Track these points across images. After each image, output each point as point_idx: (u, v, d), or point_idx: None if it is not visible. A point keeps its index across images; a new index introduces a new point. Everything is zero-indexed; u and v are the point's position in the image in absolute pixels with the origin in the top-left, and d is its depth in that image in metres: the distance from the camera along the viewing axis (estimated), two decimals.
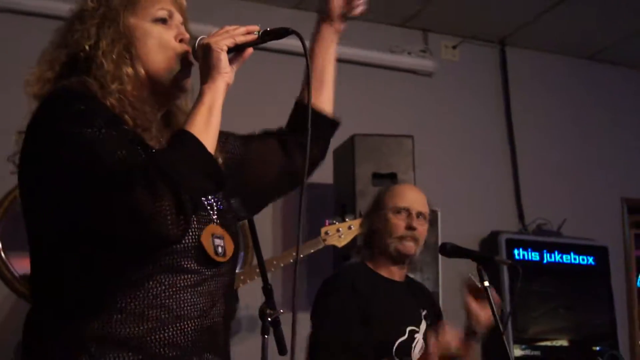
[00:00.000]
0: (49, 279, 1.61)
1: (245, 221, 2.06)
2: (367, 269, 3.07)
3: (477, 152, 5.33)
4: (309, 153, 1.65)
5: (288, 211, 4.80)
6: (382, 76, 5.19)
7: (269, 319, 1.98)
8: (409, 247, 3.02)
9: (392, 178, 4.25)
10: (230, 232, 1.73)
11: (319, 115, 1.99)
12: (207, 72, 1.63)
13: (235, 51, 1.68)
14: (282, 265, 3.74)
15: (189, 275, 1.61)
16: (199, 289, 1.63)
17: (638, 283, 5.58)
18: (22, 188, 1.65)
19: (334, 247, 3.78)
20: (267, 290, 2.04)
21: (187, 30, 1.79)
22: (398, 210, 3.05)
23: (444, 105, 5.31)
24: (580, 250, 5.19)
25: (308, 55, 1.71)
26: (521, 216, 5.32)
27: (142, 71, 1.68)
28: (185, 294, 1.60)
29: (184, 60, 1.71)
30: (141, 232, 1.45)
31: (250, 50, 1.69)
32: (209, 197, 1.74)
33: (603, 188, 5.60)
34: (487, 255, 3.64)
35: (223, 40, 1.64)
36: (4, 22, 4.38)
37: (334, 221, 3.75)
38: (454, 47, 5.35)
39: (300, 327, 1.64)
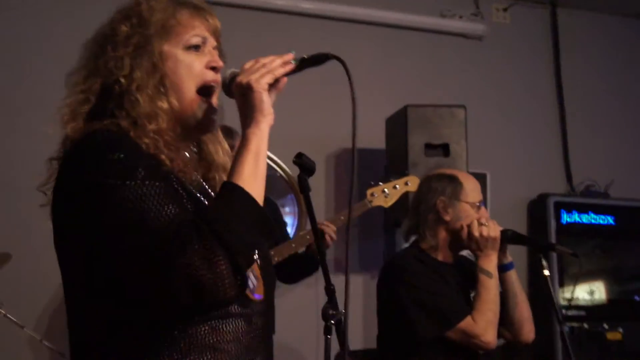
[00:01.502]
0: (90, 332, 1.49)
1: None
2: (425, 253, 2.89)
3: (526, 114, 5.12)
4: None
5: (339, 174, 4.67)
6: (433, 41, 4.98)
7: (332, 320, 1.85)
8: None
9: (445, 149, 4.08)
10: (265, 275, 1.62)
11: None
12: (250, 114, 1.49)
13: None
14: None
15: (233, 318, 1.49)
16: (243, 329, 1.51)
17: None
18: (57, 238, 1.53)
19: (383, 210, 3.65)
20: (329, 290, 1.92)
21: (221, 52, 1.65)
22: (478, 206, 2.88)
23: (494, 69, 5.09)
24: (626, 211, 4.99)
25: (351, 77, 1.56)
26: (569, 178, 5.13)
27: (176, 103, 1.54)
28: (232, 336, 1.48)
29: (211, 91, 1.57)
30: (198, 297, 1.33)
31: (285, 79, 1.55)
32: None
33: None
34: (548, 244, 3.46)
35: (263, 78, 1.49)
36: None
37: (380, 182, 3.59)
38: (505, 10, 5.08)
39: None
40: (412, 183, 3.46)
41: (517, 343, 2.93)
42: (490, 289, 2.74)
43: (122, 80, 1.51)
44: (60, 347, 3.46)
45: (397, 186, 3.49)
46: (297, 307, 4.06)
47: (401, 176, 3.59)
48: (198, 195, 1.55)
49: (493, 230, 2.78)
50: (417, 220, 2.95)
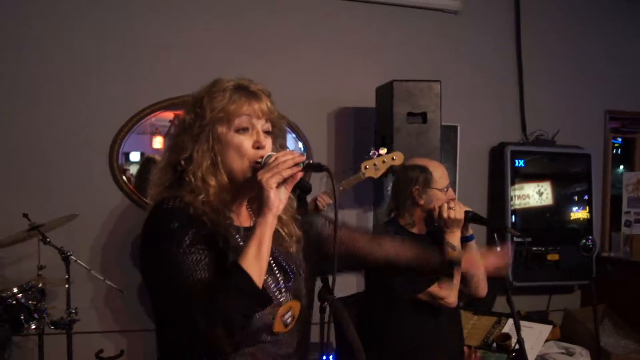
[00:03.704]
0: (166, 342, 1.63)
1: None
2: (403, 228, 2.95)
3: (491, 76, 5.02)
4: None
5: (338, 129, 4.67)
6: (415, 15, 4.82)
7: (327, 301, 1.93)
8: None
9: (423, 117, 4.06)
10: (300, 298, 1.68)
11: None
12: (261, 206, 1.53)
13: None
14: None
15: (267, 344, 1.60)
16: (276, 350, 1.62)
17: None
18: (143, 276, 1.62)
19: (371, 178, 3.68)
20: (323, 279, 1.99)
21: (275, 123, 1.67)
22: (446, 190, 2.90)
23: (466, 38, 4.95)
24: (569, 157, 5.00)
25: (336, 191, 1.58)
26: (524, 128, 5.09)
27: (225, 178, 1.59)
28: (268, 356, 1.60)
29: (254, 169, 1.59)
30: (202, 344, 1.45)
31: (300, 174, 1.57)
32: (279, 281, 1.66)
33: (591, 101, 5.28)
34: (501, 225, 3.51)
35: (272, 178, 1.51)
36: None
37: (371, 155, 3.59)
38: None
39: None
40: (397, 158, 3.44)
41: (473, 297, 3.05)
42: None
43: (183, 162, 1.60)
44: (119, 285, 3.61)
45: (385, 160, 3.46)
46: None
47: (389, 151, 3.58)
48: (239, 240, 1.61)
49: (459, 213, 2.82)
50: (397, 203, 3.00)
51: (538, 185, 4.93)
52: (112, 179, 4.15)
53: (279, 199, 1.53)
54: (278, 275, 1.67)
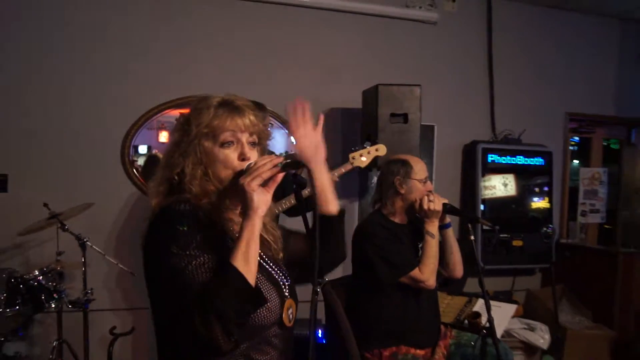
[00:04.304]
0: (167, 342, 1.59)
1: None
2: (386, 217, 3.06)
3: (465, 81, 5.14)
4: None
5: (328, 129, 4.75)
6: (398, 26, 4.91)
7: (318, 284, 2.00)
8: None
9: (405, 117, 4.16)
10: (296, 300, 1.68)
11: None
12: (245, 208, 1.49)
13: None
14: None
15: (273, 338, 1.60)
16: (279, 345, 1.62)
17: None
18: (145, 274, 1.58)
19: (358, 167, 3.69)
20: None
21: (262, 134, 1.65)
22: (424, 181, 3.01)
23: (443, 47, 5.06)
24: (533, 154, 5.15)
25: (315, 190, 1.66)
26: (493, 128, 5.22)
27: (219, 185, 1.59)
28: (272, 351, 1.61)
29: (236, 175, 1.58)
30: (201, 349, 1.42)
31: (280, 175, 1.53)
32: (281, 275, 1.67)
33: (553, 104, 5.43)
34: (474, 216, 3.64)
35: (253, 181, 1.49)
36: None
37: (358, 148, 3.64)
38: (453, 0, 5.01)
39: None
40: (380, 149, 3.55)
41: (451, 279, 3.16)
42: (432, 246, 2.91)
43: (176, 177, 1.60)
44: (132, 268, 3.69)
45: (370, 152, 3.54)
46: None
47: (373, 144, 3.64)
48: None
49: (437, 204, 2.93)
50: (381, 194, 3.11)
51: (503, 177, 5.04)
52: (124, 172, 4.22)
53: (261, 200, 1.50)
54: (279, 272, 1.69)
